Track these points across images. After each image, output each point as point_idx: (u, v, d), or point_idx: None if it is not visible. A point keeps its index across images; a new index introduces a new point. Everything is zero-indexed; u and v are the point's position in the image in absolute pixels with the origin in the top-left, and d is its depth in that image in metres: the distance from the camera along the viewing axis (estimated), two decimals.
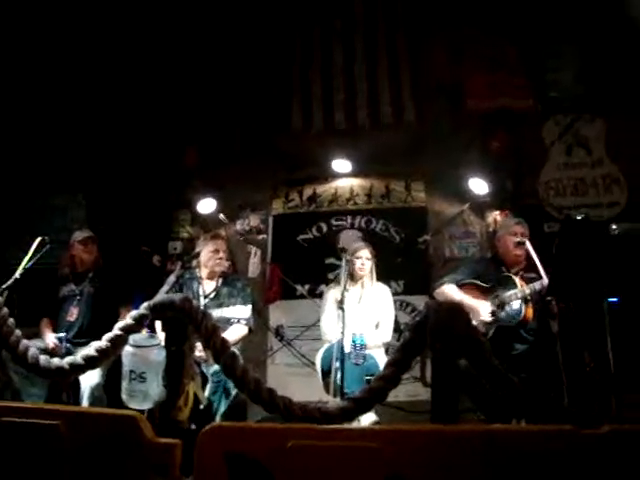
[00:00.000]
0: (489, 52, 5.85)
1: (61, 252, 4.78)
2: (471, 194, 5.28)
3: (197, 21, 6.05)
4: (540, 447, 1.73)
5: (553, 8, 5.61)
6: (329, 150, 5.67)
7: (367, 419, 3.62)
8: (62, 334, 4.25)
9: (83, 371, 2.80)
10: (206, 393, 3.61)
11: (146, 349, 3.44)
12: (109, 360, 3.08)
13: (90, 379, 3.89)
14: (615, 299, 3.86)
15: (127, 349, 3.34)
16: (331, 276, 5.47)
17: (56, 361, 2.74)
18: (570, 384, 3.32)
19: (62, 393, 4.00)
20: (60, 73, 6.01)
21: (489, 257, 4.73)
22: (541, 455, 1.71)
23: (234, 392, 3.63)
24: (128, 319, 2.73)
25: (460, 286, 4.12)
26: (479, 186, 5.19)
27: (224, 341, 2.59)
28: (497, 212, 5.42)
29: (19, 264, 3.92)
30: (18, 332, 2.73)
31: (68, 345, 4.18)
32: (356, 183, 5.95)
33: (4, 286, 3.71)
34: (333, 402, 3.40)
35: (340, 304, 3.77)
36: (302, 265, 5.74)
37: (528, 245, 3.96)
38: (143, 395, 3.30)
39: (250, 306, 4.25)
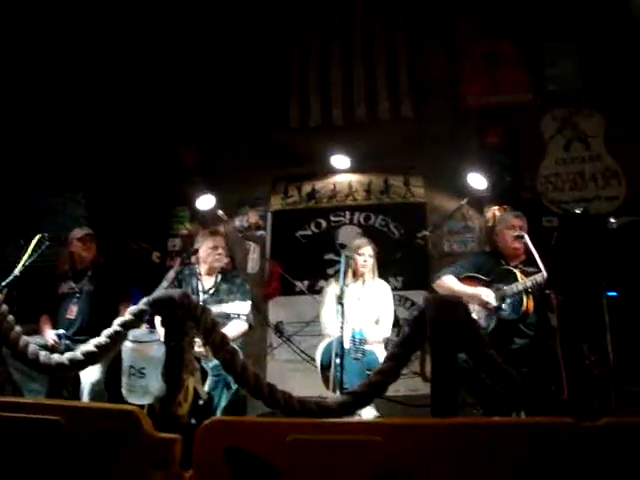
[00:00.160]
0: (487, 47, 5.85)
1: (60, 249, 4.78)
2: (470, 189, 5.28)
3: (196, 18, 6.06)
4: (540, 440, 1.74)
5: (551, 2, 5.61)
6: (328, 146, 5.66)
7: (368, 414, 3.64)
8: (61, 331, 4.25)
9: (83, 367, 2.82)
10: (206, 388, 3.61)
11: (145, 344, 3.43)
12: (109, 356, 3.09)
13: (90, 375, 3.90)
14: (614, 293, 3.87)
15: (126, 344, 3.33)
16: (330, 272, 5.47)
17: (56, 357, 2.75)
18: (569, 377, 3.33)
19: (62, 389, 4.01)
20: (59, 72, 6.02)
21: (488, 251, 4.74)
22: (541, 448, 1.71)
23: (234, 387, 3.64)
24: (127, 315, 2.74)
25: (460, 279, 4.13)
26: (478, 181, 5.18)
27: (224, 336, 2.59)
28: (496, 207, 5.42)
29: (18, 261, 3.92)
30: (18, 328, 2.74)
31: (67, 342, 4.18)
32: (355, 179, 5.95)
33: (4, 283, 3.71)
34: (333, 397, 3.40)
35: (339, 299, 3.78)
36: (301, 261, 5.73)
37: (526, 239, 3.97)
38: (143, 390, 3.29)
39: (249, 302, 4.25)
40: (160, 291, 3.26)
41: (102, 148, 6.00)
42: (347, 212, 5.88)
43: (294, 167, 5.95)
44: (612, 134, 5.44)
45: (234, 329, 4.01)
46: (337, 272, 4.43)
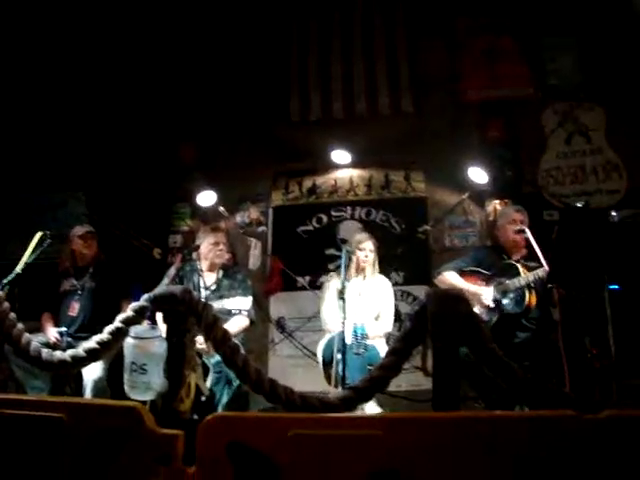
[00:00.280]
0: (487, 43, 5.84)
1: (62, 247, 4.78)
2: (471, 183, 5.27)
3: (194, 13, 6.05)
4: (542, 433, 1.74)
5: None
6: (328, 141, 5.66)
7: (371, 411, 3.64)
8: (63, 328, 4.26)
9: (85, 364, 2.82)
10: (208, 384, 3.62)
11: (147, 341, 3.44)
12: (111, 352, 3.09)
13: (93, 372, 3.90)
14: (616, 286, 3.87)
15: (128, 341, 3.34)
16: (332, 267, 5.47)
17: (58, 354, 2.75)
18: (572, 371, 3.33)
19: (65, 386, 4.02)
20: (59, 70, 6.02)
21: (490, 246, 4.74)
22: (543, 441, 1.72)
23: (236, 383, 3.65)
24: (129, 311, 2.74)
25: (462, 274, 4.13)
26: (479, 175, 5.18)
27: (225, 332, 2.59)
28: (497, 201, 5.42)
29: (20, 259, 3.93)
30: (20, 326, 2.74)
31: (69, 339, 4.18)
32: (355, 174, 5.94)
33: (5, 281, 3.72)
34: (334, 392, 3.40)
35: (341, 294, 3.77)
36: (302, 257, 5.74)
37: (528, 233, 3.96)
38: (145, 387, 3.31)
39: (251, 298, 4.26)
40: (161, 287, 3.26)
41: (102, 145, 6.00)
42: (348, 207, 5.87)
43: (295, 162, 5.94)
44: (613, 127, 5.43)
45: (235, 325, 4.01)
46: (338, 267, 4.43)
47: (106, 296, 4.40)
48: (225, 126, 6.05)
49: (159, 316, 3.25)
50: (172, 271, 4.18)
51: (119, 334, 2.74)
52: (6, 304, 2.72)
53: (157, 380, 3.21)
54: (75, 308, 4.37)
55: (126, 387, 3.45)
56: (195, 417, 2.67)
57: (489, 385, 3.07)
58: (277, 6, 6.13)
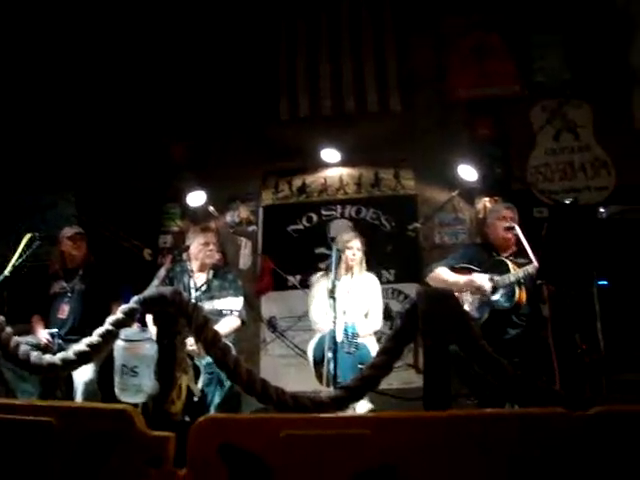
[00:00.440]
0: (475, 40, 5.86)
1: (51, 249, 4.76)
2: (460, 181, 5.30)
3: (184, 13, 6.03)
4: (532, 430, 1.75)
5: None
6: (317, 140, 5.66)
7: (362, 408, 3.65)
8: (54, 330, 4.23)
9: (75, 366, 2.81)
10: (199, 385, 3.61)
11: (137, 343, 3.44)
12: (101, 355, 3.08)
13: (83, 375, 3.88)
14: (605, 282, 3.89)
15: (118, 343, 3.33)
16: (322, 266, 5.47)
17: (47, 357, 2.74)
18: (561, 367, 3.35)
19: (56, 389, 3.99)
20: (49, 71, 5.99)
21: (479, 243, 4.76)
22: (533, 438, 1.73)
23: (227, 384, 3.64)
24: (119, 313, 2.73)
25: (453, 270, 4.14)
26: (468, 173, 5.20)
27: (216, 333, 2.59)
28: (487, 198, 5.44)
29: (8, 261, 3.90)
30: (9, 329, 2.73)
31: (60, 342, 4.16)
32: (345, 172, 5.94)
33: None
34: (326, 392, 3.41)
35: (331, 293, 3.77)
36: (293, 256, 5.73)
37: (517, 230, 3.98)
38: (136, 389, 3.30)
39: (242, 298, 4.25)
40: (151, 289, 3.25)
41: (92, 145, 5.97)
42: (338, 206, 5.88)
43: (284, 161, 5.93)
44: (601, 125, 5.47)
45: (226, 325, 4.00)
46: (327, 267, 4.43)
47: (96, 298, 4.37)
48: (214, 126, 6.04)
49: (149, 318, 3.24)
50: (162, 272, 4.16)
51: (109, 336, 2.74)
52: None
53: (148, 382, 3.20)
54: (65, 310, 4.35)
55: (117, 390, 3.45)
56: (187, 419, 2.67)
57: (481, 382, 3.08)
58: (265, 5, 6.12)
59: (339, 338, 3.86)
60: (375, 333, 4.29)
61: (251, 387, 2.45)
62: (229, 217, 5.94)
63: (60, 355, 2.77)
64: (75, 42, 5.96)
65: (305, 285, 5.49)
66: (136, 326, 3.47)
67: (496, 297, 3.92)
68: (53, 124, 5.98)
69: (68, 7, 5.84)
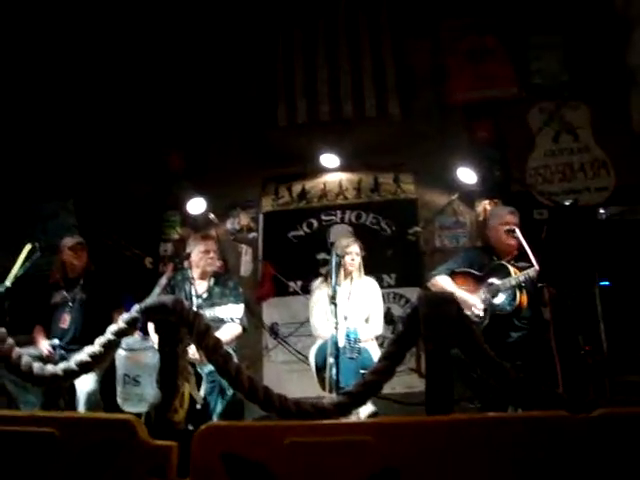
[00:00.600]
0: (472, 43, 5.86)
1: (52, 258, 4.76)
2: (460, 184, 5.29)
3: (182, 20, 6.04)
4: (535, 434, 1.74)
5: None
6: (316, 145, 5.66)
7: (365, 410, 3.64)
8: (56, 341, 4.23)
9: (77, 376, 2.80)
10: (202, 393, 3.61)
11: (139, 352, 3.44)
12: (103, 364, 3.08)
13: (85, 384, 3.87)
14: (606, 282, 3.89)
15: (120, 353, 3.34)
16: (323, 272, 5.46)
17: (49, 368, 2.74)
18: (564, 370, 3.34)
19: (59, 399, 3.99)
20: (48, 79, 5.99)
21: (480, 246, 4.75)
22: (536, 442, 1.72)
23: (229, 392, 3.63)
24: (120, 323, 2.72)
25: (454, 274, 4.13)
26: (467, 176, 5.19)
27: (217, 341, 2.58)
28: (486, 201, 5.43)
29: (9, 271, 3.90)
30: (10, 340, 2.72)
31: (62, 352, 4.16)
32: (345, 178, 5.94)
33: None
34: (329, 397, 3.40)
35: (332, 299, 3.77)
36: (294, 262, 5.73)
37: (518, 233, 3.97)
38: (138, 398, 3.30)
39: (243, 305, 4.23)
40: (152, 298, 3.24)
41: (91, 153, 5.97)
42: (338, 211, 5.87)
43: (284, 167, 5.93)
44: (599, 126, 5.46)
45: (228, 333, 4.00)
46: (328, 272, 4.43)
47: (97, 307, 4.37)
48: (213, 132, 6.05)
49: (151, 327, 3.24)
50: (163, 280, 4.15)
51: (111, 346, 2.73)
52: None
53: (150, 391, 3.20)
54: (66, 320, 4.35)
55: (119, 399, 3.45)
56: (190, 427, 2.66)
57: (483, 386, 3.08)
58: (262, 11, 6.13)
59: (341, 344, 3.86)
60: (377, 338, 4.28)
61: (253, 394, 2.45)
62: (229, 224, 5.94)
63: (62, 365, 2.76)
64: (74, 50, 5.97)
65: (306, 291, 5.48)
66: (137, 335, 3.47)
67: (497, 301, 3.92)
68: (53, 133, 5.99)
69: (68, 16, 5.84)
